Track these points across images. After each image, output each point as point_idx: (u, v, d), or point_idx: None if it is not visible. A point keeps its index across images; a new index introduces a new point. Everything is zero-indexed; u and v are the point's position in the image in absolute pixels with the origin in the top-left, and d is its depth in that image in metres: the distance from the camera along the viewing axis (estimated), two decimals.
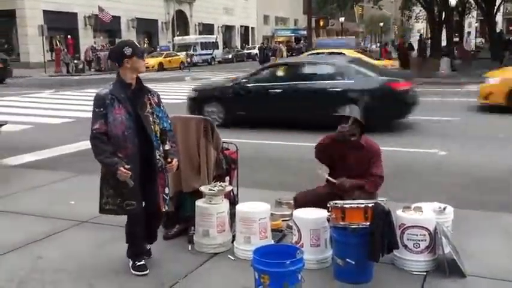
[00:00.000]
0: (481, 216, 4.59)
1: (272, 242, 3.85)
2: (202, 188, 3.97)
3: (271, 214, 4.13)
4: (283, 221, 4.40)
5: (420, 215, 3.55)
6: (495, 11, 32.40)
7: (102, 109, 3.30)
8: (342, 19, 45.50)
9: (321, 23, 30.77)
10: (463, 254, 3.58)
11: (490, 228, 4.28)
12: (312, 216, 3.62)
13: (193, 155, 4.25)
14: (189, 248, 3.95)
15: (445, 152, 7.44)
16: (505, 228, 4.27)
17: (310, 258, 3.30)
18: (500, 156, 7.16)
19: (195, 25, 47.93)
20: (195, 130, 4.25)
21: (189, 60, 32.24)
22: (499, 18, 47.20)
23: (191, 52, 34.65)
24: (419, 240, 3.48)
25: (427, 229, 3.48)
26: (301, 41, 47.93)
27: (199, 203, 3.94)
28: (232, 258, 3.77)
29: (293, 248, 3.16)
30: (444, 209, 3.78)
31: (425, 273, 3.45)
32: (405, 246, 3.51)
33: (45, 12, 32.54)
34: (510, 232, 4.17)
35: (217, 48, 42.69)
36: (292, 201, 4.84)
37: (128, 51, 3.36)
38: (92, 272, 3.60)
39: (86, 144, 8.60)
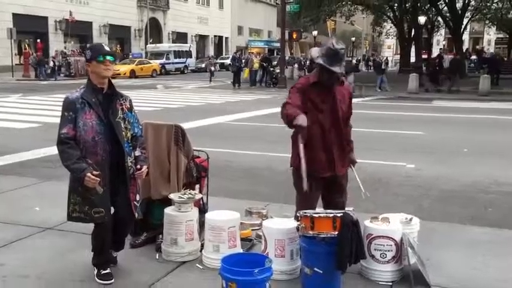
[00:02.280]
0: (446, 228, 4.69)
1: (241, 251, 3.83)
2: (172, 196, 3.94)
3: (241, 223, 4.12)
4: (252, 230, 4.39)
5: (387, 226, 3.60)
6: (462, 29, 33.45)
7: (71, 113, 3.21)
8: (315, 33, 46.07)
9: (294, 36, 31.07)
10: (428, 264, 3.65)
11: (454, 239, 4.36)
12: (278, 226, 3.63)
13: (164, 161, 4.21)
14: (157, 257, 3.89)
15: (412, 165, 7.59)
16: (469, 240, 4.36)
17: (275, 268, 3.29)
18: (465, 170, 7.34)
19: (169, 33, 47.71)
20: (166, 137, 4.21)
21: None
22: (465, 36, 48.69)
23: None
24: (386, 251, 3.53)
25: (393, 239, 3.53)
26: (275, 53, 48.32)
27: (168, 210, 3.90)
28: (201, 267, 3.73)
29: (262, 256, 3.16)
30: (410, 219, 3.84)
31: (391, 283, 3.49)
32: (372, 257, 3.55)
33: (14, 15, 31.91)
34: (474, 244, 4.26)
35: (191, 56, 42.57)
36: (262, 211, 4.87)
37: (87, 54, 3.30)
38: (55, 279, 3.50)
39: (53, 150, 8.43)
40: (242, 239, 4.03)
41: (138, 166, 3.41)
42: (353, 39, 63.44)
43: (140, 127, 3.54)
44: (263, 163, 7.68)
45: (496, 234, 4.58)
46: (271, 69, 25.88)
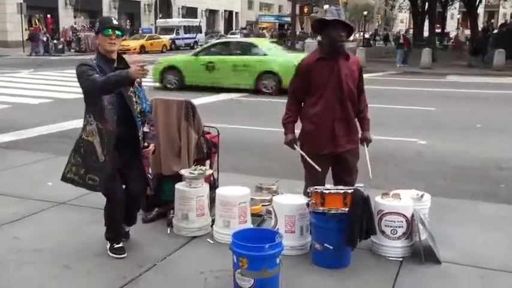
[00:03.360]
0: (458, 204, 4.67)
1: (251, 227, 3.86)
2: (183, 171, 3.95)
3: (251, 199, 4.14)
4: (263, 206, 4.40)
5: (398, 202, 3.58)
6: (477, 3, 32.70)
7: (93, 71, 3.14)
8: (326, 6, 45.43)
9: (305, 10, 30.59)
10: (439, 241, 3.64)
11: (466, 216, 4.36)
12: (288, 202, 3.63)
13: (174, 137, 4.21)
14: (168, 231, 3.94)
15: (425, 141, 7.53)
16: (480, 217, 4.35)
17: (284, 244, 3.30)
18: (478, 146, 7.28)
19: (179, 8, 47.32)
20: (176, 113, 4.21)
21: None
22: (480, 10, 47.64)
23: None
24: (396, 227, 3.52)
25: (404, 216, 3.52)
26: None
27: (179, 186, 3.92)
28: (211, 241, 3.77)
29: (272, 232, 3.17)
30: (422, 196, 3.83)
31: (401, 259, 3.50)
32: (383, 232, 3.55)
33: None
34: (485, 220, 4.25)
35: (201, 32, 42.24)
36: (273, 187, 4.88)
37: (96, 27, 3.29)
38: (68, 253, 3.56)
39: (66, 125, 8.50)
40: (252, 215, 4.05)
41: (146, 144, 3.41)
42: (365, 13, 62.39)
43: (148, 103, 3.54)
44: (273, 139, 7.64)
45: (508, 210, 4.55)
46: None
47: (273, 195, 4.45)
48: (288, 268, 3.20)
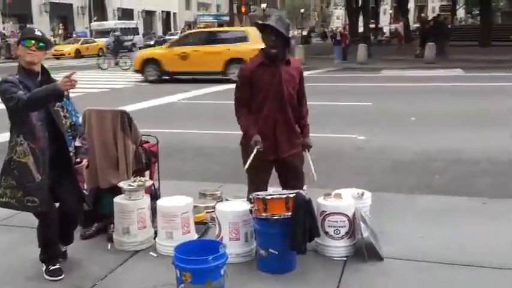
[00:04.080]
0: (397, 198, 4.80)
1: (196, 236, 3.79)
2: (121, 184, 3.82)
3: (195, 206, 4.07)
4: (207, 213, 4.35)
5: (340, 202, 3.63)
6: None
7: (16, 88, 2.97)
8: (263, 5, 45.78)
9: (243, 10, 30.69)
10: (381, 237, 3.73)
11: (405, 210, 4.48)
12: (232, 209, 3.59)
13: (111, 149, 4.07)
14: (109, 247, 3.80)
15: (363, 136, 7.71)
16: (419, 210, 4.49)
17: (230, 252, 3.27)
18: (413, 139, 7.54)
19: (114, 10, 46.16)
20: (112, 123, 4.06)
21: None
22: (411, 5, 49.62)
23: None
24: (339, 227, 3.57)
25: (346, 215, 3.57)
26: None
27: (118, 199, 3.79)
28: (155, 255, 3.66)
29: (216, 242, 3.13)
30: (362, 194, 3.90)
31: (345, 259, 3.54)
32: (326, 233, 3.59)
33: None
34: (424, 213, 4.39)
35: (138, 34, 41.41)
36: (216, 192, 4.82)
37: (19, 37, 3.17)
38: None
39: None
40: (197, 223, 3.99)
41: (78, 159, 3.27)
42: (302, 10, 63.43)
43: (78, 115, 3.39)
44: (214, 142, 7.61)
45: (442, 201, 4.73)
46: None
47: (217, 201, 4.41)
48: (234, 276, 3.16)
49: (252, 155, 3.42)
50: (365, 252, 3.52)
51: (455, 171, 5.93)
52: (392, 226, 4.06)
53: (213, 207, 4.22)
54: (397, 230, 4.02)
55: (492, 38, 25.17)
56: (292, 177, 3.70)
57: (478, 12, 23.17)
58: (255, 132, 3.52)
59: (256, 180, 3.63)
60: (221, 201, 4.47)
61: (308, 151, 3.80)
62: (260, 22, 3.61)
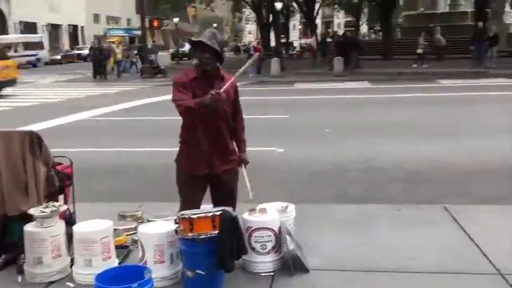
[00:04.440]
0: (318, 209, 4.89)
1: (117, 262, 3.59)
2: (32, 211, 3.53)
3: (115, 229, 3.86)
4: (127, 235, 4.15)
5: (265, 217, 3.62)
6: (315, 14, 35.44)
7: None
8: (176, 19, 45.41)
9: (155, 24, 30.27)
10: (306, 248, 3.76)
11: (326, 220, 4.56)
12: (156, 231, 3.45)
13: (19, 173, 3.76)
14: (19, 280, 3.48)
15: (281, 149, 7.83)
16: (338, 219, 4.59)
17: (155, 276, 3.13)
18: (328, 150, 7.78)
19: (15, 24, 43.51)
20: (19, 145, 3.75)
21: None
22: (318, 20, 51.75)
23: None
24: (266, 242, 3.55)
25: (272, 230, 3.56)
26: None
27: (28, 227, 3.49)
28: (72, 285, 3.41)
29: (140, 268, 2.98)
30: (286, 207, 3.92)
31: (273, 273, 3.53)
32: (253, 249, 3.55)
33: None
34: (344, 223, 4.50)
35: (43, 48, 39.30)
36: (137, 213, 4.62)
37: None
38: None
39: None
40: (117, 247, 3.77)
41: None
42: (215, 25, 63.87)
43: None
44: (129, 160, 7.36)
45: (360, 210, 4.88)
46: (150, 58, 24.91)
47: (138, 223, 4.23)
48: None
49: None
50: (291, 265, 3.53)
51: (369, 180, 6.18)
52: (316, 237, 4.12)
53: (134, 229, 4.05)
54: (320, 240, 4.08)
55: (393, 52, 26.83)
56: (225, 194, 3.65)
57: (379, 28, 24.61)
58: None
59: (189, 198, 3.54)
60: (142, 222, 4.30)
61: (245, 167, 3.78)
62: (193, 39, 3.58)
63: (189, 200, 3.54)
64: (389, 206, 4.99)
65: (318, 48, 26.81)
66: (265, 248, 3.56)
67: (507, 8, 32.00)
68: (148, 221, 4.16)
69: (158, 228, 3.49)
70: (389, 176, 6.30)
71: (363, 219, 4.58)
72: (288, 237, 3.61)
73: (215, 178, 3.60)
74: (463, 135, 8.57)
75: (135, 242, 3.87)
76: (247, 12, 49.09)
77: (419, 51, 22.26)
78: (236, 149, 3.76)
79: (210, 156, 3.53)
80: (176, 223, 3.27)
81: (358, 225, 4.43)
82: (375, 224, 4.46)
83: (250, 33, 76.78)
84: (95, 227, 3.52)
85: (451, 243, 4.00)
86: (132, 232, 4.14)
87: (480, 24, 22.14)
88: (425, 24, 28.22)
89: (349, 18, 61.16)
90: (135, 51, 27.15)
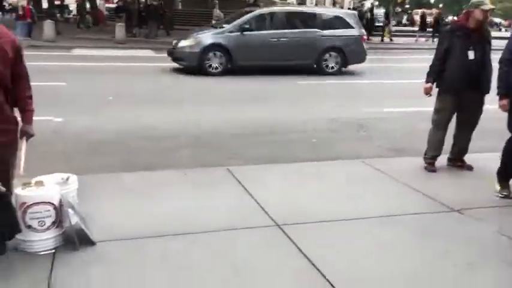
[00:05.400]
0: (102, 179, 4.65)
1: None
2: None
3: None
4: None
5: (42, 190, 3.27)
6: None
7: None
8: None
9: None
10: (92, 221, 3.54)
11: (111, 190, 4.38)
12: None
13: None
14: None
15: (60, 118, 7.21)
16: (125, 188, 4.45)
17: None
18: (112, 119, 7.47)
19: None
20: None
21: None
22: None
23: None
24: (44, 217, 3.21)
25: (51, 204, 3.24)
26: None
27: None
28: None
29: None
30: (67, 179, 3.62)
31: (54, 251, 3.23)
32: (29, 227, 3.19)
33: None
34: (130, 191, 4.38)
35: None
36: None
37: None
38: None
39: None
40: None
41: None
42: None
43: None
44: None
45: (147, 177, 4.81)
46: None
47: None
48: None
49: None
50: (76, 239, 3.28)
51: (156, 147, 6.14)
52: (101, 208, 3.92)
53: None
54: (105, 211, 3.89)
55: (175, 22, 27.00)
56: None
57: None
58: None
59: None
60: None
61: (27, 140, 3.34)
62: None
63: None
64: (175, 171, 5.04)
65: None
66: (44, 225, 3.22)
67: None
68: None
69: None
70: (175, 142, 6.37)
71: (150, 186, 4.53)
72: (70, 211, 3.34)
73: None
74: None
75: None
76: None
77: (214, 22, 22.81)
78: (18, 119, 3.29)
79: None
80: None
81: (146, 191, 4.36)
82: (162, 189, 4.45)
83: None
84: None
85: (235, 202, 4.24)
86: None
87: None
88: None
89: None
90: None
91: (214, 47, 12.85)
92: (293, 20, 13.83)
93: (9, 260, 3.07)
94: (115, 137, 6.46)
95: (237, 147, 6.24)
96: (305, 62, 13.55)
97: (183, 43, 13.23)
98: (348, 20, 14.04)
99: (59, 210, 3.29)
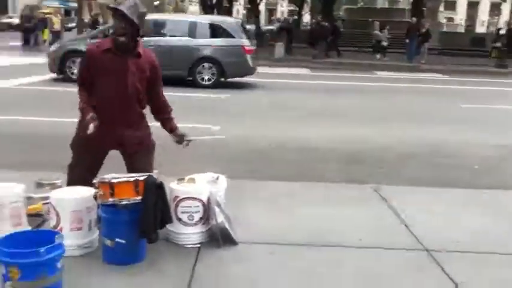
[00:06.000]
0: (251, 186, 4.77)
1: (29, 229, 3.28)
2: None
3: (29, 197, 3.55)
4: (44, 204, 3.82)
5: (193, 186, 3.44)
6: (259, 0, 35.21)
7: None
8: None
9: None
10: (236, 222, 3.62)
11: (258, 196, 4.46)
12: (72, 196, 3.18)
13: None
14: None
15: (217, 126, 7.65)
16: (270, 195, 4.50)
17: (71, 243, 2.89)
18: (264, 130, 7.70)
19: None
20: None
21: None
22: (262, 7, 51.63)
23: None
24: (193, 212, 3.38)
25: (200, 200, 3.39)
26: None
27: None
28: None
29: (51, 233, 2.71)
30: (217, 178, 3.76)
31: (199, 246, 3.37)
32: (179, 220, 3.37)
33: None
34: (273, 199, 4.41)
35: None
36: (57, 181, 4.28)
37: None
38: None
39: None
40: (31, 215, 3.47)
41: None
42: (156, 3, 62.11)
43: None
44: (43, 129, 6.95)
45: (294, 187, 4.82)
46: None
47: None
48: (75, 270, 2.80)
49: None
50: (220, 237, 3.38)
51: (304, 159, 6.16)
52: (246, 211, 4.00)
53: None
54: (250, 214, 3.96)
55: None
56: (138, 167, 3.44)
57: (320, 19, 24.72)
58: (88, 112, 3.25)
59: (81, 164, 3.45)
60: None
61: (186, 142, 3.75)
62: (112, 6, 3.27)
63: (80, 165, 3.49)
64: (322, 184, 4.97)
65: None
66: (193, 219, 3.38)
67: (441, 8, 33.34)
68: None
69: (74, 193, 3.22)
70: (324, 156, 6.32)
71: (294, 196, 4.52)
72: (217, 209, 3.45)
73: (126, 155, 3.51)
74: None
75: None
76: None
77: (384, 44, 22.46)
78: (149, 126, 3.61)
79: (115, 133, 3.39)
80: (95, 188, 3.02)
81: (289, 201, 4.36)
82: (304, 200, 4.41)
83: (193, 14, 75.49)
84: (4, 190, 3.20)
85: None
86: (48, 202, 3.81)
87: (414, 19, 22.75)
88: (364, 19, 28.72)
89: (292, 8, 61.50)
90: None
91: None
92: (167, 27, 12.55)
93: (161, 249, 3.27)
94: (266, 148, 6.62)
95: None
96: (176, 73, 11.76)
97: None
98: (227, 28, 12.45)
99: (207, 207, 3.43)
